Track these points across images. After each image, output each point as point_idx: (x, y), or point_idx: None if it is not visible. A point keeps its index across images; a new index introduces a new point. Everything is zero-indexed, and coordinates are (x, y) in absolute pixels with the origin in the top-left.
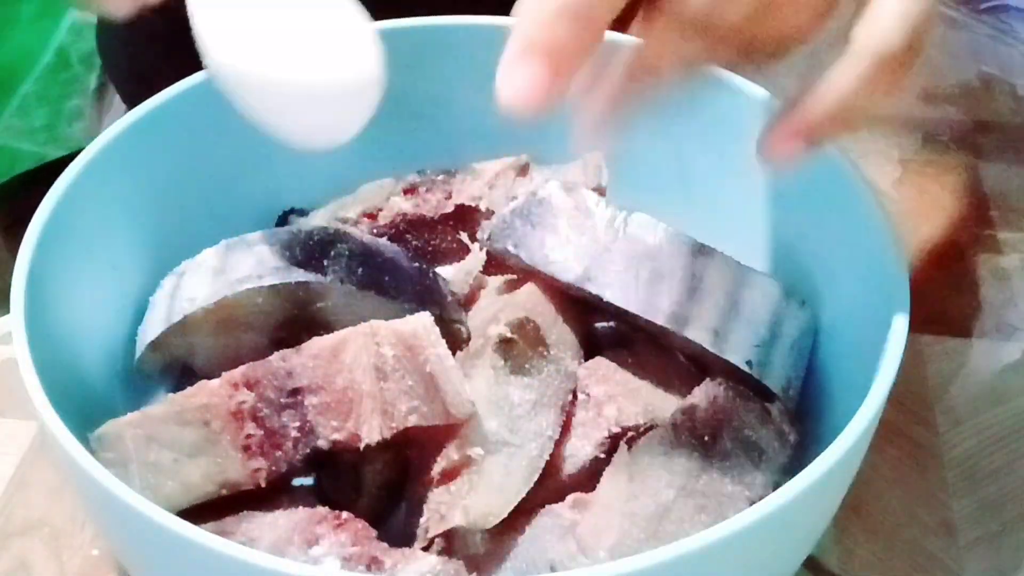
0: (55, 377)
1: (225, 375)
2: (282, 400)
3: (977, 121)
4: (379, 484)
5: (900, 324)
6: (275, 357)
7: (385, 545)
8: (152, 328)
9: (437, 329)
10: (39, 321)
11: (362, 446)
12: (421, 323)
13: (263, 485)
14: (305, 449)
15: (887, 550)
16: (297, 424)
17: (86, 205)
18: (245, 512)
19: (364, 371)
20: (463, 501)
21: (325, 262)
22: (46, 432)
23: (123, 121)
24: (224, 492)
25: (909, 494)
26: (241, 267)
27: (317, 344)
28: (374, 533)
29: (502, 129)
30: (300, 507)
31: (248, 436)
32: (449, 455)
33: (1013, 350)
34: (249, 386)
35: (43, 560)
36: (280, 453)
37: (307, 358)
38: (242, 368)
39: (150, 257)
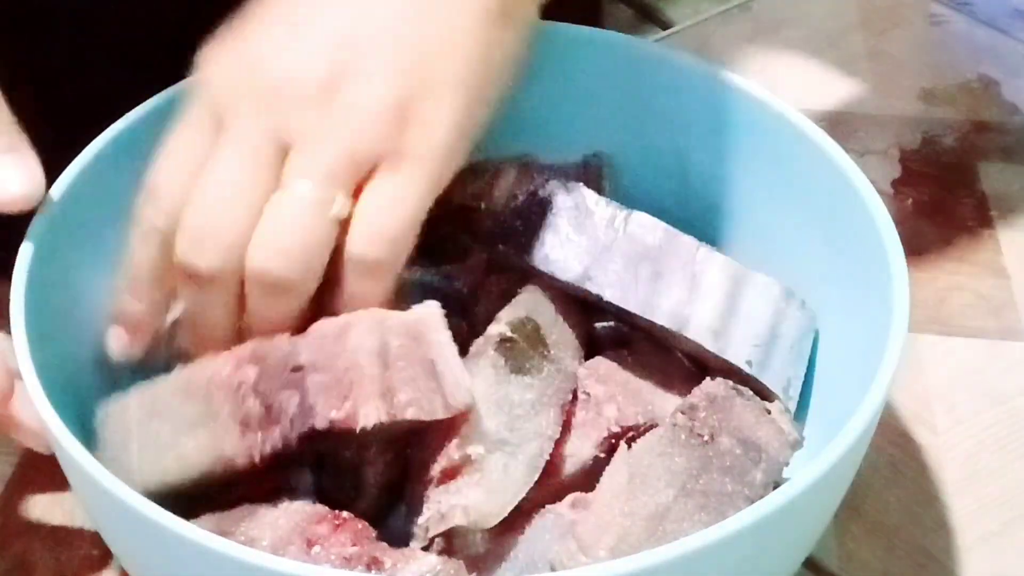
0: (55, 377)
1: (234, 349)
2: (284, 376)
3: (977, 121)
4: (379, 484)
5: (900, 324)
6: (282, 336)
7: (385, 545)
8: None
9: (444, 319)
10: (39, 321)
11: (358, 428)
12: (428, 311)
13: (257, 462)
14: (302, 427)
15: (887, 550)
16: (296, 401)
17: (86, 205)
18: (245, 512)
19: (367, 355)
20: (463, 501)
21: None
22: (47, 432)
23: (123, 121)
24: (220, 469)
25: (909, 494)
26: None
27: (324, 325)
28: (374, 533)
29: (502, 129)
30: (300, 507)
31: (246, 412)
32: (449, 454)
33: (1013, 350)
34: (255, 361)
35: (43, 560)
36: (277, 429)
37: (312, 338)
38: (251, 344)
39: None
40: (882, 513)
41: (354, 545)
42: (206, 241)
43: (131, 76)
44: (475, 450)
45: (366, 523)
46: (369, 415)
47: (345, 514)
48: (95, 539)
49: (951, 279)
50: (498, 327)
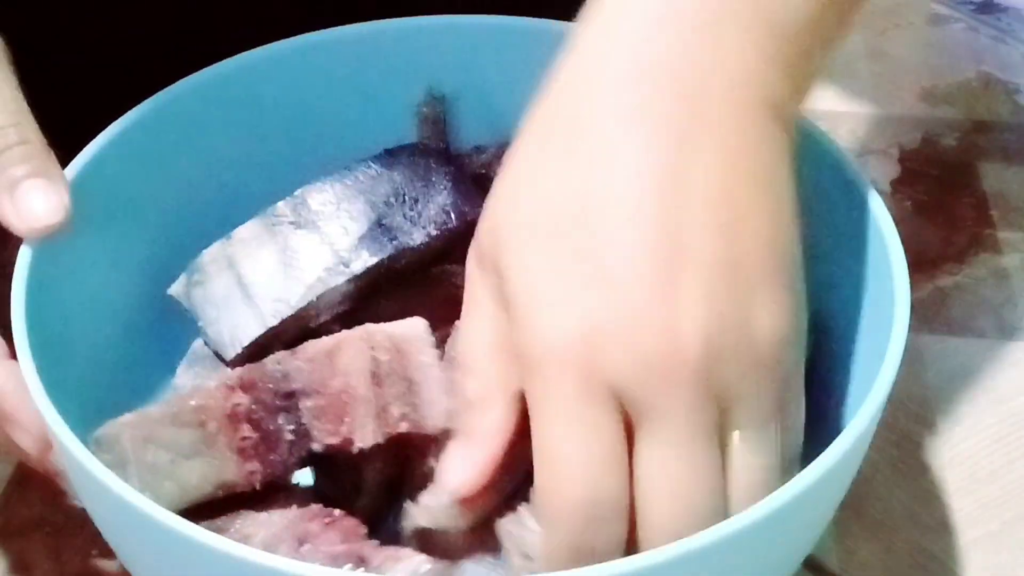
0: (55, 377)
1: (222, 377)
2: (277, 403)
3: (977, 121)
4: (379, 482)
5: (900, 325)
6: (270, 360)
7: (375, 543)
8: (245, 330)
9: (430, 336)
10: (39, 321)
11: (356, 450)
12: (413, 327)
13: (258, 487)
14: (300, 452)
15: (887, 550)
16: (292, 427)
17: (86, 203)
18: (240, 510)
19: (359, 376)
20: (429, 502)
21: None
22: (52, 439)
23: (123, 120)
24: (220, 493)
25: (909, 494)
26: (312, 255)
27: (313, 347)
28: (364, 531)
29: (503, 119)
30: (295, 505)
31: (243, 439)
32: (436, 453)
33: (1013, 350)
34: (245, 388)
35: (43, 560)
36: (275, 456)
37: (303, 361)
38: (239, 370)
39: (150, 255)
40: (882, 513)
41: (343, 543)
42: None
43: (129, 72)
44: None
45: (358, 521)
46: (366, 438)
47: (337, 512)
48: (95, 539)
49: (951, 279)
50: None
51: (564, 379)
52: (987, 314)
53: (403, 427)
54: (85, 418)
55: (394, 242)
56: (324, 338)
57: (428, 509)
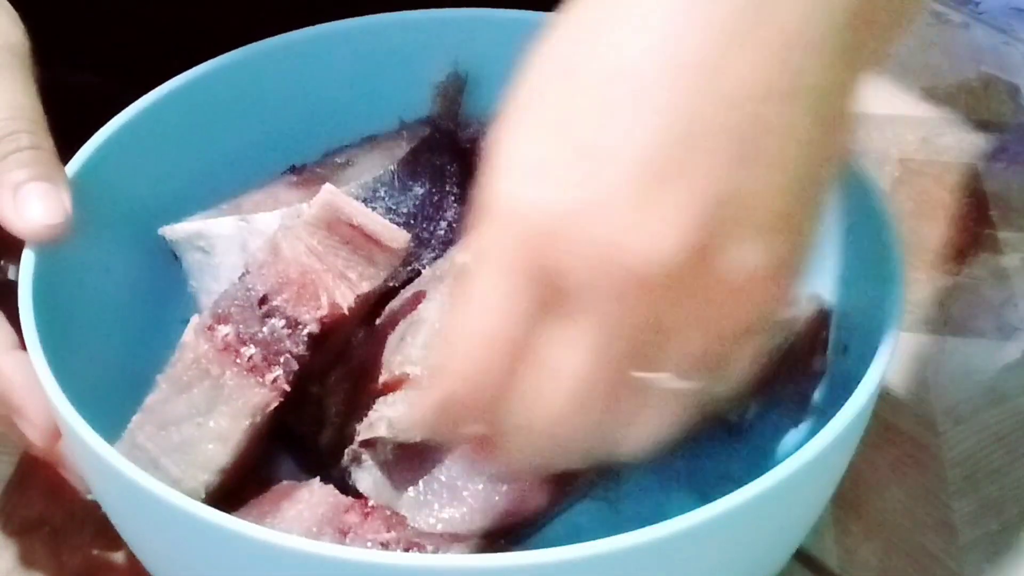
0: (64, 367)
1: (194, 326)
2: (257, 313)
3: (977, 121)
4: (340, 414)
5: (894, 322)
6: (229, 288)
7: (419, 530)
8: None
9: (343, 195)
10: (46, 310)
11: (346, 311)
12: (326, 198)
13: (288, 390)
14: (302, 340)
15: (887, 550)
16: (282, 323)
17: (87, 202)
18: (267, 509)
19: (307, 256)
20: (390, 412)
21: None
22: (67, 431)
23: (122, 116)
24: (261, 420)
25: (909, 494)
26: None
27: (258, 256)
28: (405, 518)
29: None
30: (321, 499)
31: (248, 359)
32: (390, 369)
33: (1013, 350)
34: (223, 320)
35: (43, 560)
36: (284, 355)
37: (255, 269)
38: (206, 312)
39: (152, 254)
40: (882, 513)
41: (389, 531)
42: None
43: (127, 71)
44: (412, 369)
45: (395, 511)
46: (346, 298)
47: (372, 502)
48: (96, 538)
49: (951, 279)
50: (463, 255)
51: (502, 242)
52: (987, 314)
53: (365, 287)
54: (94, 407)
55: (408, 268)
56: (257, 248)
57: (387, 419)
